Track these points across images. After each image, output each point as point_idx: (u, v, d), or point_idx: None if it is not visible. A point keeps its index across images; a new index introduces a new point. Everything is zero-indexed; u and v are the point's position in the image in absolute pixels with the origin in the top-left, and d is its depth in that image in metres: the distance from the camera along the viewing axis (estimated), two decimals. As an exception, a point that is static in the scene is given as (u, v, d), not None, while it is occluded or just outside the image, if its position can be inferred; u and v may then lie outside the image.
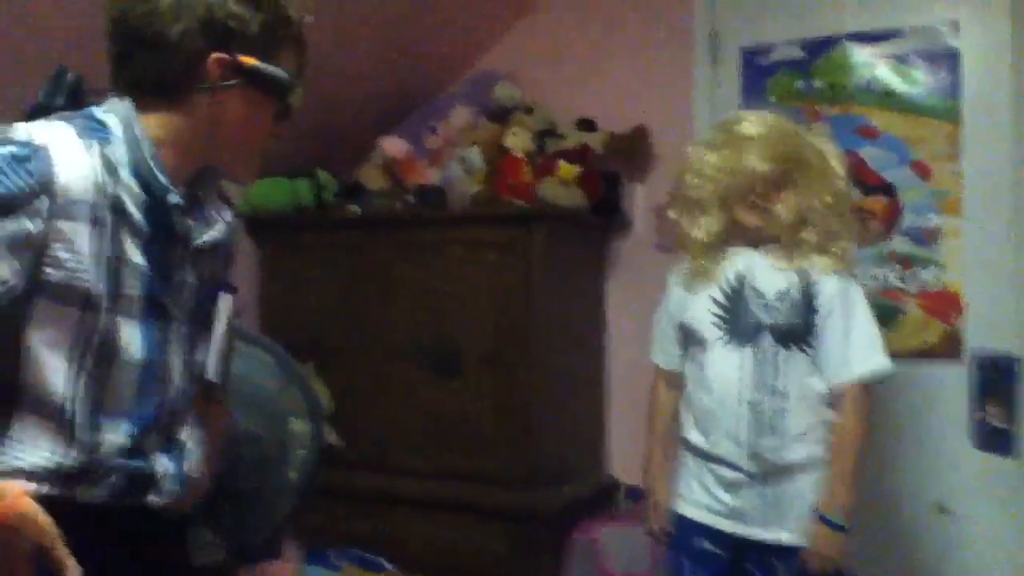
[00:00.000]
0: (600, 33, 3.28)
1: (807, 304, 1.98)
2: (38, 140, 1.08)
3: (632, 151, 3.12)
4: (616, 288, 3.23)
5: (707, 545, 2.01)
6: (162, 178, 1.17)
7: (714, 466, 2.01)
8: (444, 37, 3.25)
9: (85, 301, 1.11)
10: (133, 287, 1.15)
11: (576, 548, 2.76)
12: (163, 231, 1.19)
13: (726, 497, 1.99)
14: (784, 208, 1.99)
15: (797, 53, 3.02)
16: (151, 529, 1.25)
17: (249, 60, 1.18)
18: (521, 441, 2.82)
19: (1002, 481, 2.67)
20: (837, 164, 2.05)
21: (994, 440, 2.67)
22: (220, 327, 1.31)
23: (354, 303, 3.10)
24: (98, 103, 1.19)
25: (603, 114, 3.18)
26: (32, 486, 1.10)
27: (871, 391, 2.02)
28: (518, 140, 3.09)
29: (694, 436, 2.06)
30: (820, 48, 2.99)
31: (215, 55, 1.16)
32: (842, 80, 2.95)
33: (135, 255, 1.16)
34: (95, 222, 1.11)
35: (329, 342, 3.07)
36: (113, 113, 1.17)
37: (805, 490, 1.96)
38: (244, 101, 1.20)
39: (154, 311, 1.19)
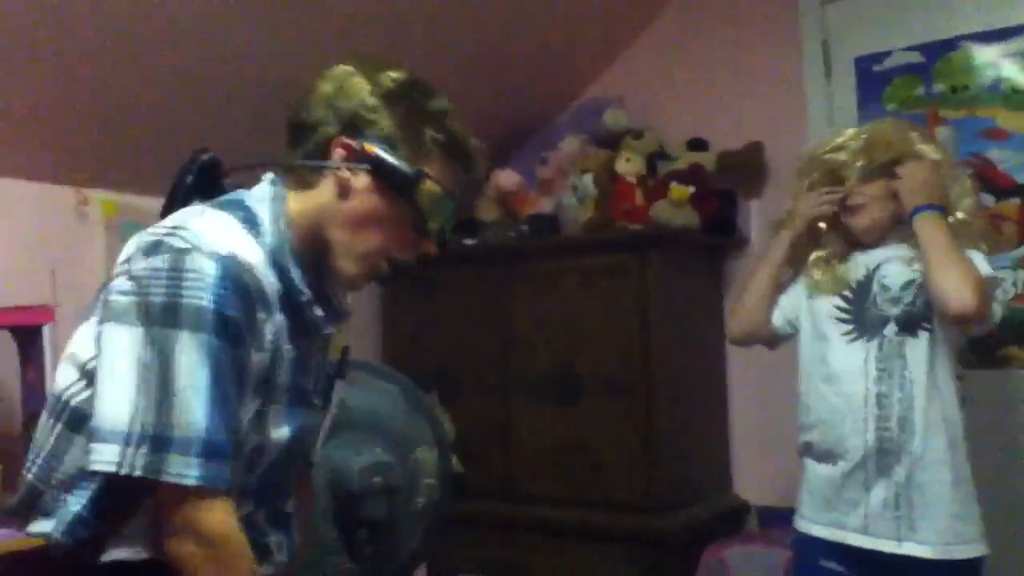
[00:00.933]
0: (707, 53, 3.27)
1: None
2: (223, 249, 1.12)
3: (746, 168, 3.08)
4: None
5: (834, 565, 1.93)
6: (296, 282, 1.21)
7: (837, 474, 1.94)
8: (550, 69, 3.31)
9: (263, 390, 1.19)
10: (283, 375, 1.21)
11: (705, 570, 2.71)
12: (299, 321, 1.23)
13: (852, 509, 1.92)
14: (879, 198, 1.97)
15: (914, 58, 2.93)
16: None
17: (370, 147, 1.20)
18: (644, 465, 2.80)
19: None
20: (926, 146, 2.02)
21: None
22: (331, 413, 1.37)
23: (474, 334, 3.16)
24: (239, 184, 1.27)
25: (715, 133, 3.16)
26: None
27: (989, 287, 1.88)
28: (629, 165, 3.10)
29: (815, 437, 2.00)
30: (939, 51, 2.88)
31: (340, 139, 1.21)
32: (964, 82, 2.84)
33: (285, 343, 1.21)
34: (268, 315, 1.18)
35: (451, 373, 3.14)
36: (264, 204, 1.22)
37: (939, 496, 1.87)
38: (370, 192, 1.21)
39: (298, 398, 1.25)
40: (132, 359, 1.08)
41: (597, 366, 2.91)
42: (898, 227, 1.99)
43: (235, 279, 1.11)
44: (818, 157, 2.12)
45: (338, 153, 1.21)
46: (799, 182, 2.16)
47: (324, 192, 1.22)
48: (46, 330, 1.99)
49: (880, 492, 1.88)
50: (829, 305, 2.02)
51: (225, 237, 1.14)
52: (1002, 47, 2.78)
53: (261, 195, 1.24)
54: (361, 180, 1.21)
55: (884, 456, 1.88)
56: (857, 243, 2.05)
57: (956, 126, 2.80)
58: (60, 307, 2.10)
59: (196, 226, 1.14)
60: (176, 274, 1.09)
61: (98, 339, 1.13)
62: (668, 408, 2.83)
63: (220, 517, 1.10)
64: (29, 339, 2.03)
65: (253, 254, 1.16)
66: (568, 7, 3.04)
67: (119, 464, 1.06)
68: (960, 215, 1.98)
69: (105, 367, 1.10)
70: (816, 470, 2.01)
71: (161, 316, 1.08)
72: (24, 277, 2.33)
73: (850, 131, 2.11)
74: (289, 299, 1.21)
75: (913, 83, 2.92)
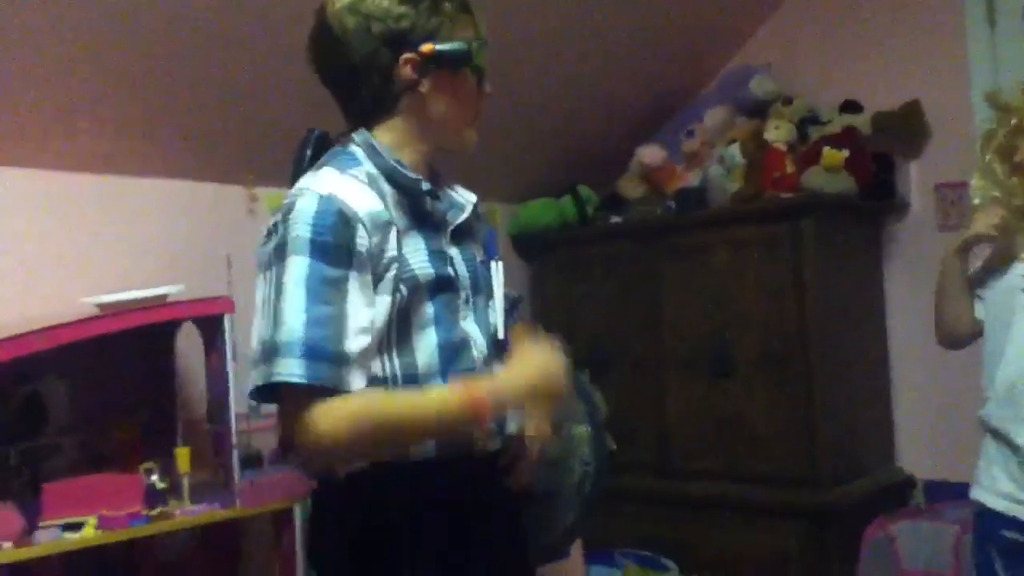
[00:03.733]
0: (856, 10, 3.14)
1: None
2: (323, 190, 1.25)
3: (904, 128, 2.95)
4: (896, 272, 3.07)
5: (1018, 537, 1.84)
6: (409, 174, 1.33)
7: (1011, 453, 1.84)
8: (694, 41, 3.26)
9: (411, 287, 1.29)
10: (422, 268, 1.31)
11: (870, 546, 2.63)
12: (422, 221, 1.33)
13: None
14: None
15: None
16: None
17: (430, 47, 1.29)
18: (802, 438, 2.75)
19: None
20: None
21: None
22: (499, 290, 1.45)
23: (624, 311, 3.17)
24: (344, 145, 1.36)
25: (869, 94, 3.04)
26: None
27: None
28: (779, 132, 3.03)
29: (995, 415, 1.90)
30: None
31: (403, 58, 1.29)
32: None
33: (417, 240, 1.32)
34: (387, 226, 1.28)
35: (603, 350, 3.16)
36: (355, 144, 1.35)
37: None
38: (443, 83, 1.32)
39: (441, 285, 1.33)
40: (260, 299, 1.24)
41: (751, 340, 2.87)
42: None
43: (333, 210, 1.23)
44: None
45: (406, 71, 1.30)
46: (987, 148, 1.99)
47: (407, 109, 1.33)
48: (226, 319, 2.15)
49: None
50: (1016, 275, 1.90)
51: (326, 182, 1.26)
52: None
53: (355, 139, 1.36)
54: (432, 79, 1.31)
55: None
56: None
57: None
58: (235, 298, 2.25)
59: (305, 182, 1.29)
60: (286, 219, 1.24)
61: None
62: (827, 380, 2.76)
63: (334, 415, 1.18)
64: (212, 329, 2.19)
65: (351, 186, 1.27)
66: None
67: (256, 381, 1.21)
68: None
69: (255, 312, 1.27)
70: (992, 449, 1.91)
71: (275, 256, 1.23)
72: (201, 271, 2.52)
73: None
74: (408, 205, 1.31)
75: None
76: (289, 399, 1.20)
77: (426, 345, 1.29)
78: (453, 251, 1.37)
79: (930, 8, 2.99)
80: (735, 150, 3.06)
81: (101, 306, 2.13)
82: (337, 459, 1.25)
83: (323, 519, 1.38)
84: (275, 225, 1.26)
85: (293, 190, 1.29)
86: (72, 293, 2.20)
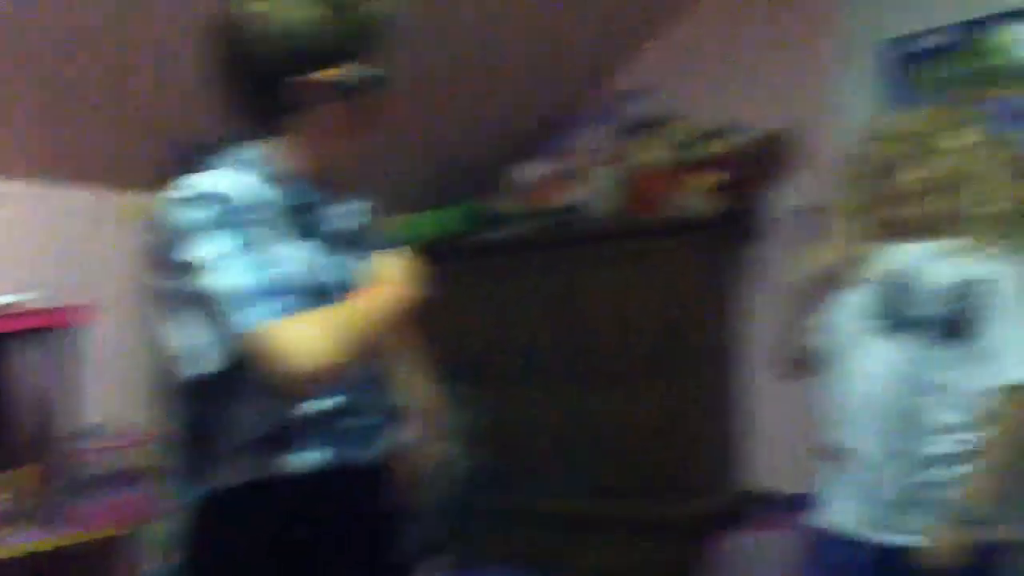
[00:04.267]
0: (734, 39, 3.22)
1: (970, 294, 1.84)
2: (208, 179, 1.25)
3: (769, 155, 3.04)
4: (759, 294, 3.15)
5: (845, 556, 1.90)
6: (291, 187, 1.32)
7: (854, 470, 1.90)
8: (577, 62, 3.29)
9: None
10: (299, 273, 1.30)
11: (718, 558, 2.70)
12: (304, 229, 1.32)
13: (865, 504, 1.87)
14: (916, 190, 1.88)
15: (946, 39, 2.84)
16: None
17: (333, 73, 1.27)
18: (648, 454, 2.83)
19: None
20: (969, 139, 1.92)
21: None
22: None
23: (502, 325, 3.19)
24: (228, 151, 1.34)
25: (741, 120, 3.12)
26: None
27: None
28: (655, 153, 3.09)
29: (837, 437, 1.95)
30: (972, 31, 2.79)
31: (305, 79, 1.27)
32: (999, 62, 2.75)
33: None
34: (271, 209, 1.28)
35: (480, 363, 3.16)
36: (239, 151, 1.33)
37: (947, 491, 1.82)
38: (338, 109, 1.31)
39: (316, 293, 1.31)
40: (184, 293, 1.21)
41: (612, 356, 2.94)
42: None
43: (220, 189, 1.23)
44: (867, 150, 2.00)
45: (304, 91, 1.28)
46: (850, 181, 2.05)
47: (297, 127, 1.31)
48: (74, 331, 2.06)
49: (892, 494, 1.84)
50: (854, 302, 1.94)
51: (210, 175, 1.26)
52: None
53: (239, 149, 1.34)
54: (325, 104, 1.29)
55: (900, 461, 1.83)
56: (897, 234, 1.93)
57: (990, 107, 2.72)
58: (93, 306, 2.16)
59: (188, 180, 1.26)
60: (177, 209, 1.23)
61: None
62: (678, 399, 2.85)
63: (291, 334, 1.16)
64: (56, 340, 2.09)
65: (237, 178, 1.27)
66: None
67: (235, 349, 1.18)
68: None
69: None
70: (828, 469, 1.97)
71: (177, 246, 1.21)
72: (56, 278, 2.40)
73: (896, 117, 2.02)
74: (291, 212, 1.31)
75: (945, 65, 2.84)
76: (255, 343, 1.16)
77: None
78: (331, 259, 1.36)
79: (802, 41, 3.08)
80: (612, 170, 3.11)
81: (-66, 316, 2.02)
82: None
83: (199, 532, 1.35)
84: (161, 224, 1.24)
85: (177, 187, 1.25)
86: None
